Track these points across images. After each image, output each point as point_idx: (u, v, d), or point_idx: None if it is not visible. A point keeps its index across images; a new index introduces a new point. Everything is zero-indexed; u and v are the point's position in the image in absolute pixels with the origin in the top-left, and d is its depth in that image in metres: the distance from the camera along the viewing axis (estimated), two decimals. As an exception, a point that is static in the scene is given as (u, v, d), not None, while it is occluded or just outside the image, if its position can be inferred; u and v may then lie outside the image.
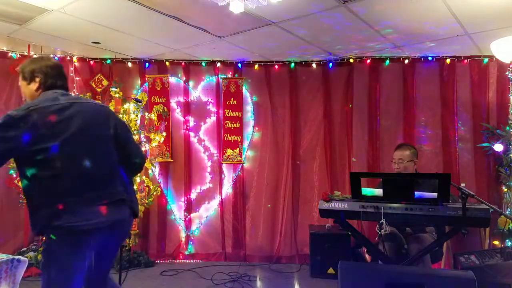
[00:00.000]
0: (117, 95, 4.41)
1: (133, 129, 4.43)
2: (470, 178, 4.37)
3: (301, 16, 3.40)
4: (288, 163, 4.81)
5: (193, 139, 4.94)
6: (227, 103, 4.88)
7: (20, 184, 3.74)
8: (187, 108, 4.92)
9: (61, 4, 3.21)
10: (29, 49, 4.36)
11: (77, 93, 4.56)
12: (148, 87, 4.86)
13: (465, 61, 4.48)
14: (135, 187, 4.35)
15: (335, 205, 2.75)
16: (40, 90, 2.05)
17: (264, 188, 4.86)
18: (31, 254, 4.07)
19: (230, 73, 4.93)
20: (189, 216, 4.88)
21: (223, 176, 4.91)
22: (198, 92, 4.97)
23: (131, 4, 3.17)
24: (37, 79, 2.04)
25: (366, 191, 2.76)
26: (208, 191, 4.91)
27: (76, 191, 1.84)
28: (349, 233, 2.92)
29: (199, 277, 4.15)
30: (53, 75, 2.07)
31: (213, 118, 4.93)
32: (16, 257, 2.54)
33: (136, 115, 4.55)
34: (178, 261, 4.76)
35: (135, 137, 4.38)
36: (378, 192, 2.69)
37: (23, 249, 4.21)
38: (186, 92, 4.93)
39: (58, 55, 4.66)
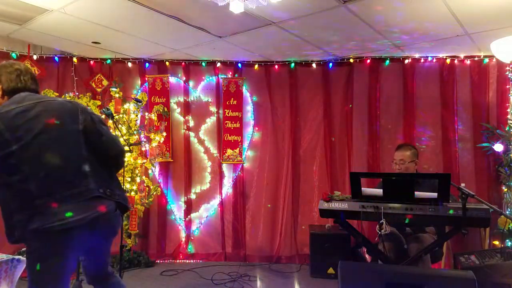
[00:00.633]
0: (117, 95, 4.41)
1: (133, 129, 4.43)
2: (470, 178, 4.37)
3: (301, 16, 3.40)
4: (288, 163, 4.81)
5: (193, 139, 4.94)
6: (227, 103, 4.88)
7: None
8: (187, 108, 4.93)
9: (61, 4, 3.21)
10: (29, 49, 4.37)
11: (76, 93, 4.56)
12: (148, 87, 4.86)
13: (465, 61, 4.49)
14: (134, 187, 4.35)
15: (335, 205, 2.75)
16: (5, 97, 2.01)
17: (264, 188, 4.86)
18: (31, 254, 4.06)
19: (230, 73, 4.93)
20: (189, 216, 4.88)
21: (223, 176, 4.91)
22: (198, 92, 4.97)
23: (131, 4, 3.17)
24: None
25: (366, 191, 2.76)
26: (208, 191, 4.91)
27: (46, 192, 1.82)
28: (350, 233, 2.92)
29: (199, 277, 4.14)
30: (12, 79, 2.03)
31: (213, 118, 4.93)
32: (16, 257, 2.54)
33: (136, 115, 4.55)
34: (178, 261, 4.76)
35: (135, 137, 4.38)
36: (378, 192, 2.68)
37: (23, 249, 4.21)
38: (186, 92, 4.93)
39: (58, 55, 4.66)
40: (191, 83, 4.95)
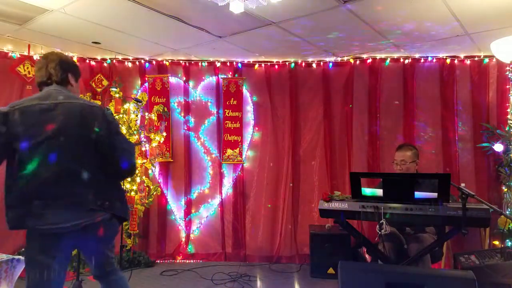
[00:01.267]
0: (117, 95, 4.42)
1: (133, 129, 4.43)
2: (470, 178, 4.37)
3: (301, 16, 3.40)
4: (288, 163, 4.81)
5: (193, 139, 4.94)
6: (227, 103, 4.88)
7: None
8: (187, 108, 4.92)
9: (61, 4, 3.21)
10: (29, 49, 4.36)
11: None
12: (148, 87, 4.86)
13: (465, 61, 4.49)
14: (134, 187, 4.35)
15: (335, 205, 2.75)
16: (38, 89, 2.10)
17: (264, 188, 4.86)
18: (31, 254, 4.06)
19: (230, 73, 4.93)
20: (189, 216, 4.88)
21: (223, 176, 4.91)
22: (198, 92, 4.97)
23: (131, 4, 3.17)
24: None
25: (366, 191, 2.76)
26: (208, 191, 4.91)
27: (43, 194, 1.86)
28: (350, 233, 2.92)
29: (199, 277, 4.14)
30: (38, 75, 2.10)
31: (213, 118, 4.93)
32: (16, 257, 2.55)
33: (136, 115, 4.55)
34: (178, 261, 4.76)
35: (135, 137, 4.38)
36: (378, 192, 2.69)
37: (23, 249, 4.21)
38: (186, 92, 4.93)
39: (58, 55, 4.65)
40: (191, 83, 4.95)
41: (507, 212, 4.01)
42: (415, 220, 2.58)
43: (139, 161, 4.39)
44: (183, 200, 4.87)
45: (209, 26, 3.70)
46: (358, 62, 4.70)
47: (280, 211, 4.80)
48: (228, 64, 4.91)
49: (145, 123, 4.55)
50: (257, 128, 4.94)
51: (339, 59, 4.73)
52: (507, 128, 4.14)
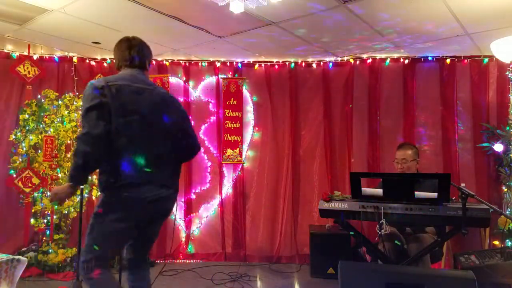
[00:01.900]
0: (117, 95, 4.41)
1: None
2: (470, 178, 4.37)
3: (301, 16, 3.40)
4: (288, 163, 4.81)
5: (193, 139, 4.93)
6: (227, 103, 4.88)
7: (19, 184, 3.73)
8: (187, 108, 4.92)
9: (61, 4, 3.22)
10: (29, 49, 4.37)
11: (76, 93, 4.56)
12: (148, 87, 4.85)
13: (465, 61, 4.49)
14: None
15: (335, 205, 2.75)
16: (120, 69, 2.27)
17: (264, 188, 4.86)
18: (31, 254, 4.07)
19: (230, 73, 4.93)
20: (189, 216, 4.87)
21: (223, 176, 4.91)
22: (198, 92, 4.97)
23: (131, 4, 3.17)
24: (116, 57, 2.32)
25: (366, 191, 2.76)
26: (208, 191, 4.91)
27: (131, 168, 2.07)
28: (351, 232, 2.92)
29: (199, 277, 4.14)
30: (121, 53, 2.30)
31: (213, 118, 4.93)
32: (16, 257, 2.55)
33: (136, 115, 4.54)
34: (178, 261, 4.76)
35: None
36: (378, 192, 2.68)
37: (23, 249, 4.21)
38: (186, 92, 4.93)
39: (58, 55, 4.66)
40: (191, 83, 4.95)
41: (507, 212, 4.01)
42: (415, 220, 2.58)
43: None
44: (183, 200, 4.86)
45: (209, 26, 3.70)
46: (358, 62, 4.70)
47: (280, 211, 4.79)
48: (228, 64, 4.91)
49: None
50: (257, 128, 4.94)
51: (339, 59, 4.73)
52: (507, 128, 4.14)
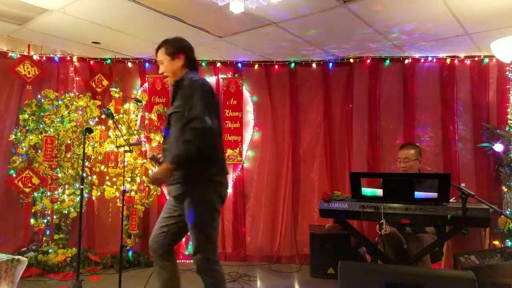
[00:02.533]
0: (117, 95, 4.42)
1: (133, 129, 4.43)
2: (470, 178, 4.37)
3: (301, 16, 3.40)
4: (288, 163, 4.81)
5: (193, 139, 4.93)
6: (227, 103, 4.88)
7: (19, 184, 3.72)
8: (187, 108, 4.92)
9: (61, 4, 3.22)
10: (29, 49, 4.37)
11: (76, 93, 4.56)
12: (148, 87, 4.86)
13: (465, 61, 4.49)
14: (134, 187, 4.35)
15: (335, 205, 2.75)
16: (185, 69, 2.38)
17: (264, 188, 4.86)
18: (31, 254, 4.07)
19: (230, 73, 4.93)
20: (189, 216, 4.87)
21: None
22: (198, 92, 4.96)
23: (131, 4, 3.18)
24: (181, 57, 2.39)
25: (366, 191, 2.76)
26: (208, 191, 4.90)
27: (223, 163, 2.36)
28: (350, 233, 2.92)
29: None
30: (193, 56, 2.43)
31: (213, 118, 4.93)
32: (16, 257, 2.54)
33: (136, 115, 4.55)
34: (178, 261, 4.74)
35: (135, 137, 4.39)
36: (378, 192, 2.68)
37: (23, 249, 4.21)
38: (186, 92, 4.92)
39: (58, 55, 4.66)
40: (191, 83, 4.94)
41: (507, 212, 4.01)
42: (415, 220, 2.58)
43: (139, 161, 4.40)
44: (183, 200, 4.86)
45: (209, 26, 3.70)
46: (358, 62, 4.70)
47: (280, 211, 4.79)
48: (228, 64, 4.91)
49: (145, 123, 4.55)
50: (257, 128, 4.94)
51: (339, 59, 4.73)
52: (507, 128, 4.14)
